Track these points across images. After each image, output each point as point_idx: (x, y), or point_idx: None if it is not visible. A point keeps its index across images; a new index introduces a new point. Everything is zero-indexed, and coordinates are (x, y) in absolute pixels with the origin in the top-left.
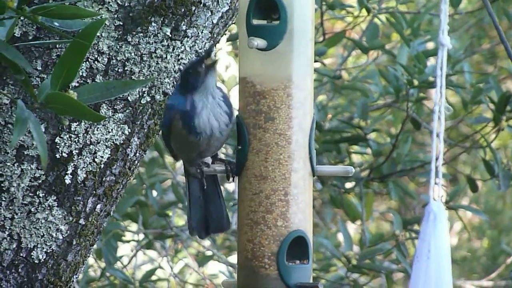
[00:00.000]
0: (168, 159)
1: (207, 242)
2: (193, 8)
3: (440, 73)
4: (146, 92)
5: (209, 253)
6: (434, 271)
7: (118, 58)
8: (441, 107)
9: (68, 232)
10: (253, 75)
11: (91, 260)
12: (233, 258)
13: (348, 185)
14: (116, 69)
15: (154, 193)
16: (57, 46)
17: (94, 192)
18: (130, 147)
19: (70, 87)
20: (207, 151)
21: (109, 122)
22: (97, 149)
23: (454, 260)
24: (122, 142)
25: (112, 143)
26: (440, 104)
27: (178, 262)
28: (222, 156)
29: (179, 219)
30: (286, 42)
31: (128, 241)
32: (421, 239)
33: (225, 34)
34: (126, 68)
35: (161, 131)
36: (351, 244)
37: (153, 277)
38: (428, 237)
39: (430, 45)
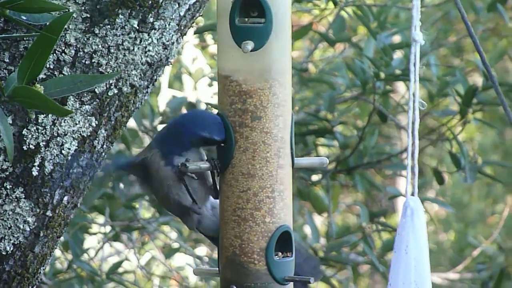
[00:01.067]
0: (135, 151)
1: (173, 234)
2: (160, 0)
3: (413, 69)
4: (113, 84)
5: (176, 245)
6: (413, 265)
7: (85, 50)
8: (415, 102)
9: (35, 224)
10: (238, 74)
11: (58, 252)
12: (200, 250)
13: (315, 177)
14: (83, 61)
15: (121, 185)
16: (25, 38)
17: (61, 184)
18: (97, 139)
19: (37, 80)
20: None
21: (76, 114)
22: (64, 141)
23: None
24: (89, 134)
25: (79, 135)
26: (415, 99)
27: (145, 254)
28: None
29: (145, 211)
30: (271, 42)
31: (95, 234)
32: (399, 233)
33: (192, 27)
34: (93, 60)
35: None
36: (318, 236)
37: (120, 269)
38: (406, 231)
39: (397, 39)
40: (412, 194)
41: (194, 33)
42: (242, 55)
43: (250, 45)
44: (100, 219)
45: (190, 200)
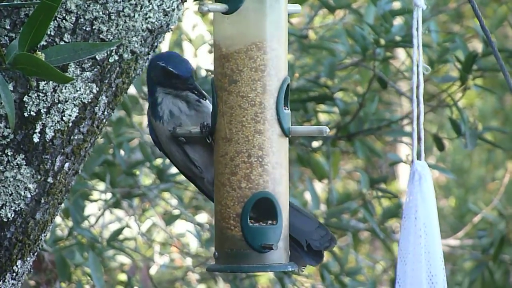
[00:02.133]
0: (136, 118)
1: (174, 201)
2: None
3: (416, 34)
4: (114, 51)
5: (176, 212)
6: (423, 231)
7: (86, 17)
8: (419, 67)
9: (37, 190)
10: (220, 38)
11: (58, 219)
12: (201, 217)
13: (315, 144)
14: (84, 28)
15: (122, 152)
16: (25, 5)
17: (62, 150)
18: (98, 105)
19: (38, 47)
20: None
21: (77, 81)
22: (65, 108)
23: None
24: (90, 100)
25: (80, 102)
26: (418, 64)
27: (146, 221)
28: None
29: (146, 178)
30: (248, 5)
31: (95, 201)
32: (407, 199)
33: None
34: (94, 27)
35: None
36: (319, 203)
37: (121, 236)
38: (415, 196)
39: (397, 5)
40: (418, 159)
41: (194, 0)
42: (221, 19)
43: (207, 6)
44: (101, 186)
45: (190, 162)
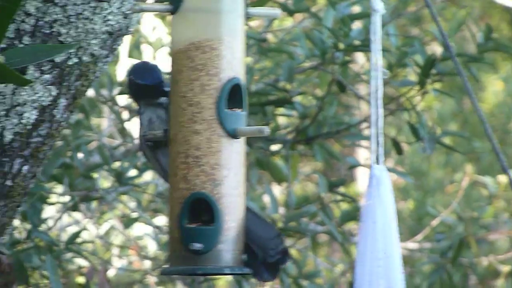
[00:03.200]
0: (94, 121)
1: (132, 204)
2: None
3: (374, 38)
4: (73, 53)
5: (135, 215)
6: (381, 235)
7: (45, 20)
8: (377, 71)
9: None
10: (172, 38)
11: (16, 222)
12: (159, 220)
13: (274, 147)
14: (43, 30)
15: (80, 155)
16: None
17: (21, 153)
18: (57, 108)
19: None
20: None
21: (36, 83)
22: (24, 111)
23: None
24: (49, 103)
25: (39, 105)
26: (377, 68)
27: (104, 224)
28: None
29: (104, 180)
30: (189, 5)
31: (53, 203)
32: (366, 202)
33: None
34: (53, 30)
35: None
36: (277, 206)
37: (79, 239)
38: (373, 200)
39: (356, 9)
40: (377, 163)
41: (155, 1)
42: (172, 20)
43: (138, 6)
44: (59, 188)
45: (160, 168)
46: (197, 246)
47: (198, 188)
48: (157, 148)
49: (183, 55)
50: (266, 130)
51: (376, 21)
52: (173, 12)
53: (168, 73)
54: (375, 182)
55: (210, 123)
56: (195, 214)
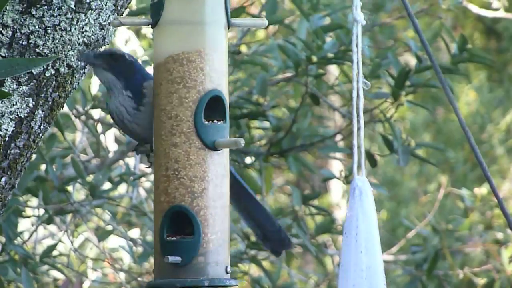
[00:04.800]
0: (69, 136)
1: (106, 216)
2: None
3: (355, 49)
4: (50, 64)
5: (109, 227)
6: (364, 246)
7: (23, 31)
8: (359, 82)
9: None
10: (154, 51)
11: None
12: (133, 233)
13: (248, 160)
14: (21, 42)
15: (54, 168)
16: None
17: None
18: (34, 119)
19: None
20: (139, 136)
21: (13, 95)
22: (2, 122)
23: None
24: (26, 115)
25: (16, 116)
26: (358, 79)
27: (78, 237)
28: None
29: (78, 193)
30: (166, 18)
31: (28, 217)
32: (348, 215)
33: (127, 8)
34: (30, 41)
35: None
36: None
37: (54, 252)
38: (355, 212)
39: (328, 20)
40: (358, 174)
41: (128, 15)
42: (152, 31)
43: (117, 19)
44: (33, 201)
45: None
46: (174, 259)
47: (178, 201)
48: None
49: (163, 68)
50: (242, 142)
51: (358, 32)
52: (153, 25)
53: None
54: (357, 193)
55: (188, 135)
56: (179, 227)
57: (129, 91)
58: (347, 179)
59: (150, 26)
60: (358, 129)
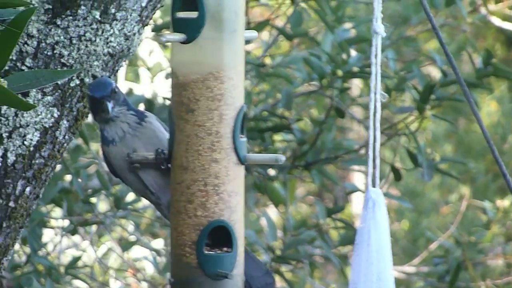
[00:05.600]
0: (94, 146)
1: (130, 227)
2: None
3: (374, 61)
4: (75, 75)
5: (133, 238)
6: (375, 258)
7: (48, 41)
8: (376, 95)
9: None
10: (178, 66)
11: (16, 245)
12: (157, 243)
13: (272, 172)
14: (46, 52)
15: (79, 180)
16: None
17: (24, 175)
18: (59, 129)
19: (0, 75)
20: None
21: (38, 105)
22: (27, 132)
23: None
24: (51, 125)
25: (41, 126)
26: (376, 92)
27: (102, 247)
28: None
29: (102, 202)
30: (206, 34)
31: (52, 228)
32: (361, 226)
33: (150, 24)
34: (55, 51)
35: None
36: (276, 234)
37: (78, 263)
38: (368, 223)
39: (354, 32)
40: (373, 186)
41: (152, 31)
42: (180, 48)
43: (164, 37)
44: (57, 212)
45: (144, 188)
46: (228, 274)
47: (217, 216)
48: (140, 169)
49: (201, 84)
50: (282, 158)
51: (377, 44)
52: (189, 41)
53: (174, 100)
54: (371, 205)
55: (228, 151)
56: (213, 241)
57: (132, 111)
58: None
59: (184, 42)
60: (374, 141)
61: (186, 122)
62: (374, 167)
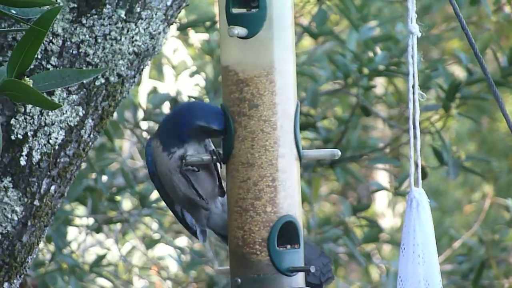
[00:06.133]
0: (117, 142)
1: (154, 225)
2: None
3: (411, 61)
4: (100, 74)
5: (156, 236)
6: (421, 257)
7: (73, 40)
8: (415, 94)
9: (23, 213)
10: (235, 63)
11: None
12: (181, 241)
13: None
14: (71, 51)
15: (104, 178)
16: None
17: (49, 173)
18: (84, 128)
19: (26, 74)
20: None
21: (63, 103)
22: (52, 131)
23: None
24: (76, 123)
25: (66, 125)
26: (414, 91)
27: (126, 244)
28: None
29: (126, 202)
30: (266, 29)
31: (77, 226)
32: (406, 227)
33: (176, 23)
34: (80, 50)
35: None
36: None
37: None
38: (413, 224)
39: (378, 31)
40: (415, 185)
41: (177, 30)
42: (238, 43)
43: (236, 29)
44: (81, 209)
45: (195, 194)
46: (308, 268)
47: (285, 211)
48: (191, 175)
49: (265, 79)
50: (338, 153)
51: (413, 44)
52: (250, 36)
53: (233, 97)
54: (415, 205)
55: (291, 146)
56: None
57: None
58: (397, 190)
59: (246, 36)
60: (414, 141)
61: (250, 118)
62: (416, 167)
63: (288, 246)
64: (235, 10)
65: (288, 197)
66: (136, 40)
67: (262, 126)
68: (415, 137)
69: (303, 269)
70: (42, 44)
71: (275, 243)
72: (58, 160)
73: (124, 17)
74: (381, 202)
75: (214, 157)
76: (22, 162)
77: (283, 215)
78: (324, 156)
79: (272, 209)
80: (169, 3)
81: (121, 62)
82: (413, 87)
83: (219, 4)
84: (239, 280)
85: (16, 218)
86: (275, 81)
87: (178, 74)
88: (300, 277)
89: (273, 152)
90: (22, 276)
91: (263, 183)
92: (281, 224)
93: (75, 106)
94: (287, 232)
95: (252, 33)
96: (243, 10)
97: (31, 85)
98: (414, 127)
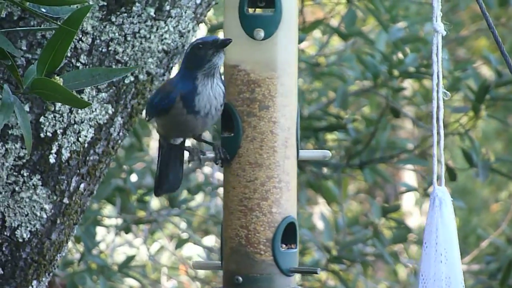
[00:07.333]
0: (145, 140)
1: (183, 225)
2: None
3: (436, 59)
4: (130, 72)
5: (185, 235)
6: (444, 255)
7: (102, 38)
8: (439, 93)
9: (52, 211)
10: (245, 63)
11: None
12: (208, 240)
13: (325, 170)
14: (100, 49)
15: (133, 178)
16: (42, 26)
17: (78, 171)
18: (113, 126)
19: (56, 72)
20: (200, 130)
21: (93, 101)
22: (81, 129)
23: None
24: (105, 121)
25: (95, 123)
26: (438, 90)
27: (154, 244)
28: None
29: (155, 202)
30: (280, 31)
31: (106, 226)
32: (428, 225)
33: (205, 23)
34: (110, 48)
35: (147, 111)
36: (332, 234)
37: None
38: (435, 222)
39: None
40: (438, 184)
41: (208, 31)
42: (250, 44)
43: (262, 32)
44: (108, 208)
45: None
46: (315, 269)
47: (288, 212)
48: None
49: (276, 80)
50: (329, 154)
51: (438, 42)
52: (265, 38)
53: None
54: (437, 203)
55: (295, 148)
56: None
57: (223, 86)
58: (426, 191)
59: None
60: (438, 140)
61: (260, 119)
62: (439, 166)
63: (284, 246)
64: (248, 11)
65: (290, 198)
66: (165, 38)
67: (271, 128)
68: (438, 134)
69: (305, 271)
70: (71, 42)
71: (279, 244)
72: (87, 158)
73: (154, 15)
74: (407, 201)
75: (220, 155)
76: (51, 160)
77: (286, 216)
78: (316, 157)
79: (277, 210)
80: (198, 2)
81: (150, 60)
82: (437, 85)
83: (226, 3)
84: (240, 278)
85: (45, 216)
86: (285, 83)
87: None
88: (294, 277)
89: (281, 153)
90: (50, 274)
91: (270, 184)
92: (285, 225)
93: (105, 104)
94: (286, 232)
95: (267, 35)
96: (251, 10)
97: (61, 84)
98: (438, 125)
